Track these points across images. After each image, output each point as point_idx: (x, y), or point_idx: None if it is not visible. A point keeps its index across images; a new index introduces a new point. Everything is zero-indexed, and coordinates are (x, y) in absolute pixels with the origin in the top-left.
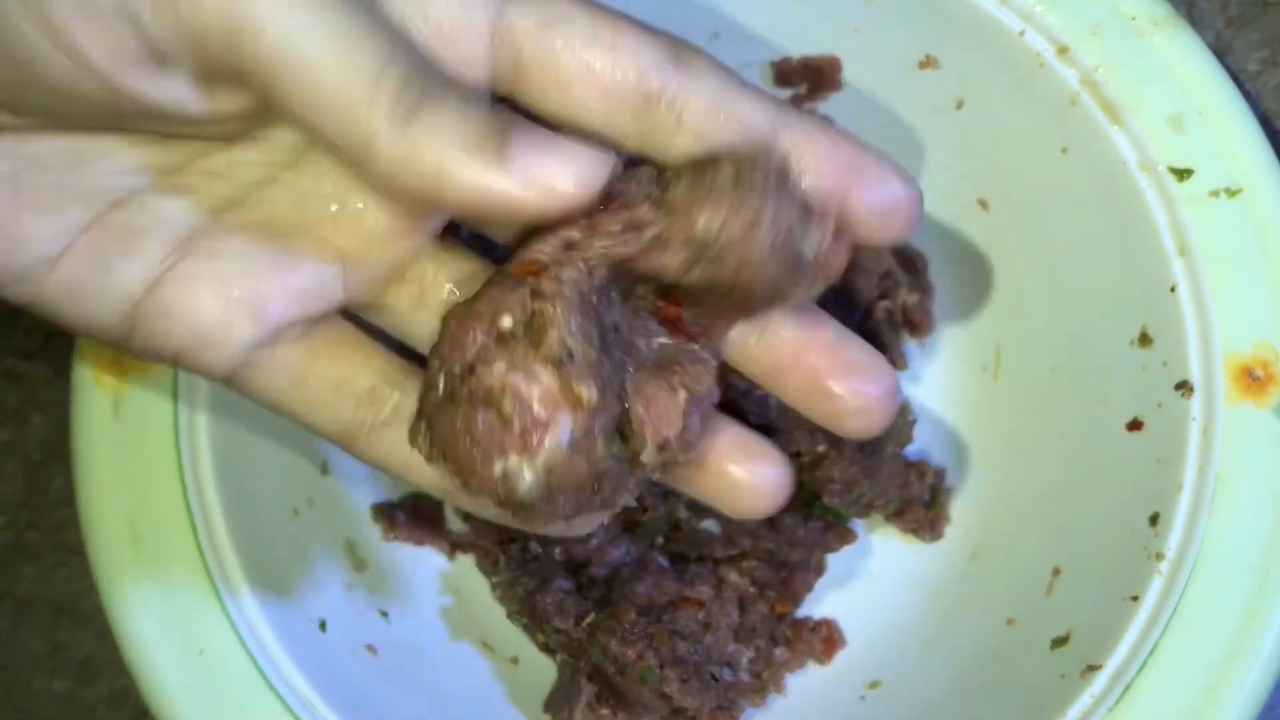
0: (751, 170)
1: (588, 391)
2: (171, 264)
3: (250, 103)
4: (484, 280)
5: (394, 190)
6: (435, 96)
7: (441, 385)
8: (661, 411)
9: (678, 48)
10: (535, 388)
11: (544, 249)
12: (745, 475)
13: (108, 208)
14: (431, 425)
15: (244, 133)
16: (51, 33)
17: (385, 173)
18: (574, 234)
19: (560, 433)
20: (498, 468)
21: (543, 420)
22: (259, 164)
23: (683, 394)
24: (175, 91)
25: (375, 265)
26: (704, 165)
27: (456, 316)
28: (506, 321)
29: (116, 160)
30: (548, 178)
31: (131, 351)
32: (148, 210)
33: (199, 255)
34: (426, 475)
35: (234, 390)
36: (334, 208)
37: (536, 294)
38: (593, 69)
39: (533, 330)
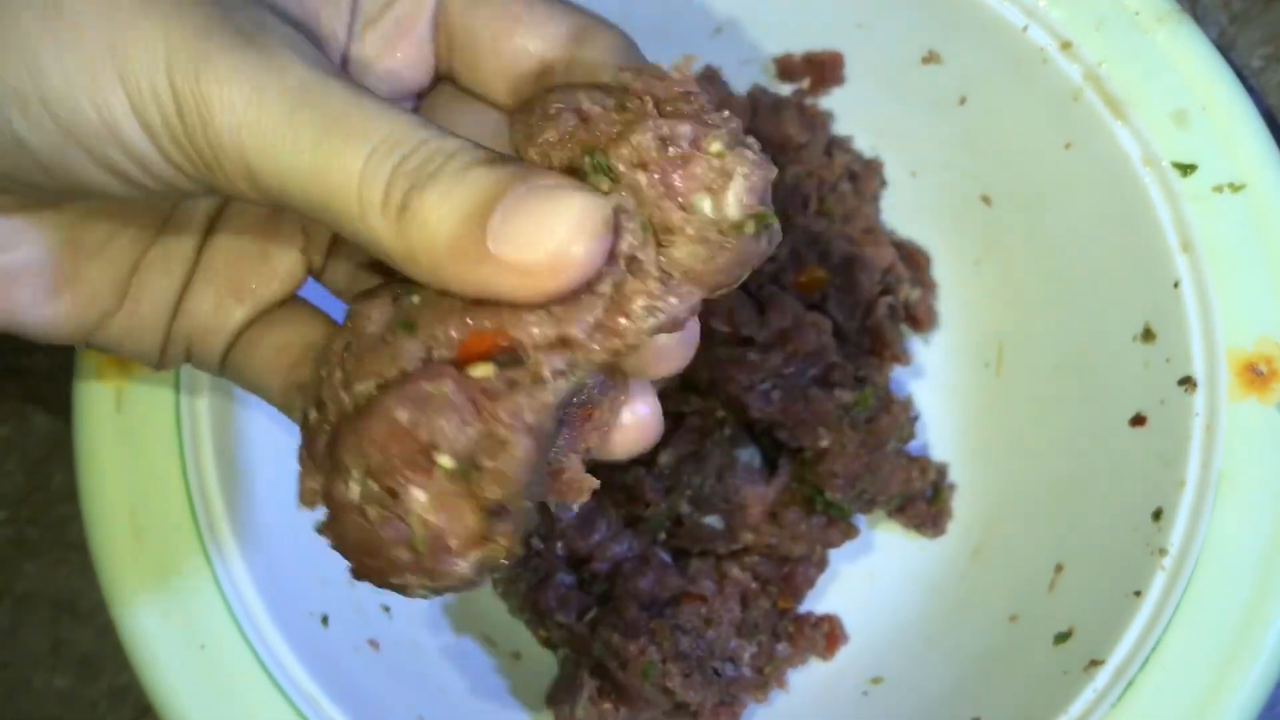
0: (749, 226)
1: (508, 544)
2: (187, 278)
3: None
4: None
5: (415, 277)
6: (423, 179)
7: (354, 486)
8: (571, 488)
9: (584, 24)
10: (457, 526)
11: (528, 332)
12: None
13: (147, 249)
14: (333, 514)
15: None
16: (116, 173)
17: (400, 264)
18: (576, 332)
19: (466, 569)
20: (393, 580)
21: (453, 555)
22: None
23: (590, 481)
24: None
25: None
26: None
27: (387, 419)
28: (446, 462)
29: (152, 206)
30: (533, 261)
31: (164, 365)
32: (171, 238)
33: (200, 261)
34: None
35: (226, 376)
36: None
37: (490, 432)
38: (498, 43)
39: (473, 470)
